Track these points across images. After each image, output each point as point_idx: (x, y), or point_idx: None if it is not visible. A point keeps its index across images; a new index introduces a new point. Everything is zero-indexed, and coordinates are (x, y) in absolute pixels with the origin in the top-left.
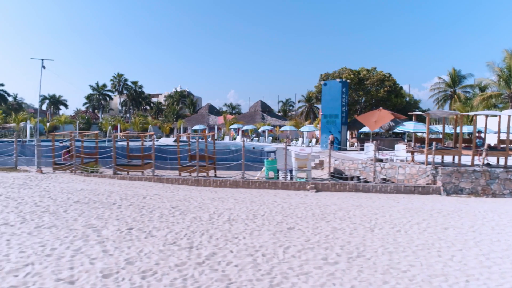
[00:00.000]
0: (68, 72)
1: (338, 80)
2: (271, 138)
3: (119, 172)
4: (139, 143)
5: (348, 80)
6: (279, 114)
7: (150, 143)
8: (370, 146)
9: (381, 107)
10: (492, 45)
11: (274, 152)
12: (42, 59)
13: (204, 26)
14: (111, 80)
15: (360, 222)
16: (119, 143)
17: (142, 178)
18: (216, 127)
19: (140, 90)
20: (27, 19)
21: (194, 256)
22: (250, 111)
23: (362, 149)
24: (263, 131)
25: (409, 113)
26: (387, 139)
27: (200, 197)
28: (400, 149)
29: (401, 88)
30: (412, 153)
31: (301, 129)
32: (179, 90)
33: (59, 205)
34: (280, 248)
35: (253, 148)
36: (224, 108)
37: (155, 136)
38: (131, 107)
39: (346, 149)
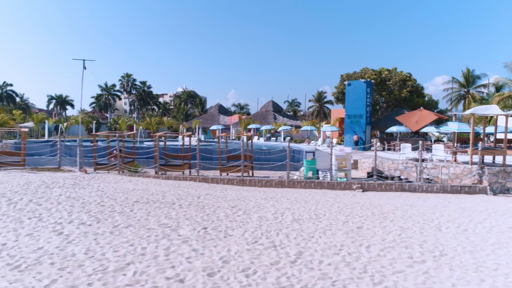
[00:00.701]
0: (69, 72)
1: (362, 80)
2: (288, 138)
3: (159, 172)
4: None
5: (372, 80)
6: (289, 114)
7: (180, 142)
8: (406, 147)
9: (421, 107)
10: (492, 45)
11: (314, 152)
12: (84, 60)
13: (204, 26)
14: (120, 80)
15: (423, 221)
16: (148, 143)
17: (187, 178)
18: (231, 127)
19: (148, 90)
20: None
21: (283, 255)
22: (261, 111)
23: (384, 149)
24: (276, 131)
25: (451, 113)
26: (411, 139)
27: (252, 196)
28: (438, 149)
29: (422, 88)
30: (455, 153)
31: (322, 129)
32: (184, 90)
33: (122, 205)
34: (362, 247)
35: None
36: (233, 108)
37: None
38: (139, 107)
39: (370, 149)
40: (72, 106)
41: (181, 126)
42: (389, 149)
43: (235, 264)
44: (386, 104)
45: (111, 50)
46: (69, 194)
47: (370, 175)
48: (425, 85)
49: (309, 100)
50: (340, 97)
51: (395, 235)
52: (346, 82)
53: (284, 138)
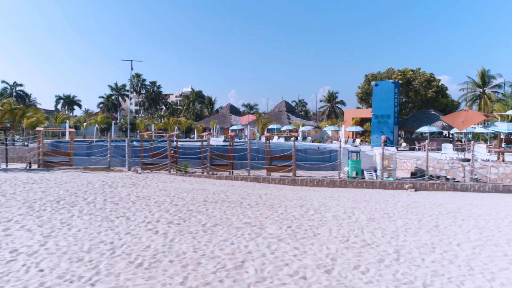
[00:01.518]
0: (68, 72)
1: (390, 80)
2: (309, 138)
3: (210, 172)
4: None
5: (400, 81)
6: (301, 114)
7: (213, 142)
8: (448, 147)
9: (467, 108)
10: (492, 45)
11: (359, 152)
12: (131, 60)
13: (205, 26)
14: (129, 80)
15: (494, 220)
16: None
17: (238, 177)
18: (249, 127)
19: (158, 90)
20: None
21: (383, 253)
22: (274, 111)
23: (414, 150)
24: (291, 132)
25: (500, 113)
26: (438, 139)
27: (311, 196)
28: (481, 149)
29: (446, 88)
30: (502, 153)
31: (347, 129)
32: (192, 90)
33: (194, 204)
34: (452, 245)
35: (318, 148)
36: (242, 108)
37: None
38: (148, 107)
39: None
40: (80, 106)
41: (216, 125)
42: (418, 149)
43: (343, 262)
44: (412, 104)
45: (111, 51)
46: (137, 194)
47: (413, 174)
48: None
49: (320, 100)
50: (364, 97)
51: (476, 233)
52: (373, 83)
53: (305, 138)
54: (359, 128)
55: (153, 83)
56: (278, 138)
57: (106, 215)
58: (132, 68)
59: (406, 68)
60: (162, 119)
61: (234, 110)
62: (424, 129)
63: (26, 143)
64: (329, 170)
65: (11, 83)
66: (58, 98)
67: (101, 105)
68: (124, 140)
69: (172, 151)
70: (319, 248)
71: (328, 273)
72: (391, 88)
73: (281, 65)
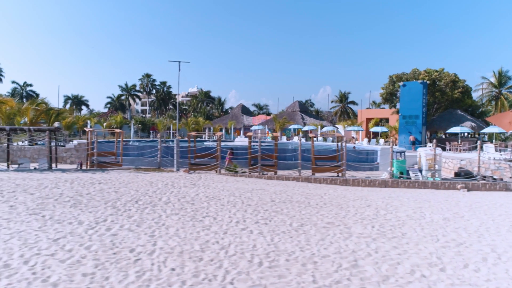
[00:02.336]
0: (69, 72)
1: (419, 81)
2: (331, 138)
3: (261, 173)
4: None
5: (428, 82)
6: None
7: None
8: (490, 147)
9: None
10: (492, 45)
11: (404, 152)
12: (179, 61)
13: (204, 26)
14: (139, 80)
15: None
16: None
17: (289, 178)
18: (267, 128)
19: (168, 90)
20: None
21: (482, 252)
22: (287, 111)
23: (446, 150)
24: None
25: None
26: (466, 139)
27: (371, 196)
28: None
29: (470, 88)
30: None
31: (371, 130)
32: (194, 90)
33: (266, 204)
34: None
35: (354, 148)
36: (252, 108)
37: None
38: (158, 107)
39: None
40: (87, 106)
41: (207, 127)
42: (449, 150)
43: (449, 261)
44: (438, 105)
45: (112, 51)
46: (205, 194)
47: (457, 175)
48: None
49: (332, 101)
50: (388, 98)
51: None
52: (401, 83)
53: (326, 139)
54: (384, 129)
55: (163, 83)
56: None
57: (192, 215)
58: (179, 69)
59: (429, 69)
60: (172, 119)
61: (245, 110)
62: (456, 129)
63: (62, 144)
64: (367, 170)
65: (21, 83)
66: (67, 98)
67: (108, 105)
68: (172, 141)
69: (229, 152)
70: (417, 247)
71: (443, 271)
72: (419, 88)
73: (281, 65)
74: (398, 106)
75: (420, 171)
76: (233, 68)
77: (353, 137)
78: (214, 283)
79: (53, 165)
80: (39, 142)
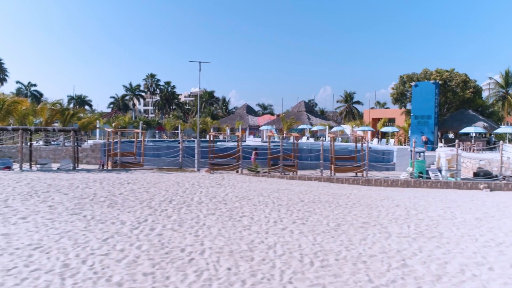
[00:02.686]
0: (70, 72)
1: (431, 81)
2: (339, 138)
3: (283, 173)
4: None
5: (440, 82)
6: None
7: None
8: (509, 146)
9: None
10: (492, 44)
11: (423, 152)
12: (200, 62)
13: (205, 26)
14: (144, 80)
15: None
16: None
17: (312, 178)
18: (275, 127)
19: (172, 90)
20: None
21: None
22: (293, 111)
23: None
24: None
25: None
26: (478, 140)
27: (396, 196)
28: None
29: (481, 88)
30: None
31: (382, 130)
32: (197, 90)
33: (297, 204)
34: None
35: (370, 148)
36: (256, 108)
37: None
38: (162, 107)
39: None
40: (91, 106)
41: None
42: (462, 150)
43: (495, 260)
44: (449, 105)
45: (112, 51)
46: (234, 194)
47: (476, 175)
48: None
49: (337, 101)
50: (397, 98)
51: None
52: (413, 83)
53: (335, 139)
54: (395, 129)
55: (168, 83)
56: (307, 138)
57: (229, 215)
58: (200, 69)
59: (440, 69)
60: (177, 119)
61: (250, 110)
62: (470, 129)
63: (78, 144)
64: (383, 170)
65: (26, 84)
66: (70, 98)
67: (111, 105)
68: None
69: (254, 151)
70: (458, 247)
71: (492, 270)
72: (431, 88)
73: (281, 65)
74: (408, 106)
75: (440, 171)
76: (233, 68)
77: (362, 137)
78: (274, 283)
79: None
80: (53, 142)
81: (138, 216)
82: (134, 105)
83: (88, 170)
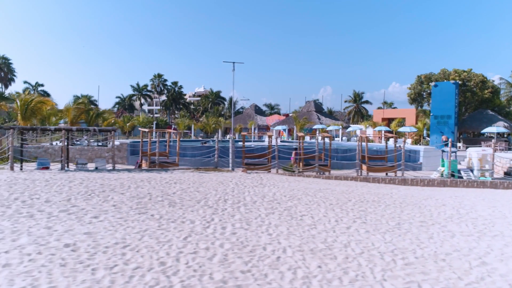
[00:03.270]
0: (71, 72)
1: (451, 81)
2: (354, 138)
3: (319, 172)
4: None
5: (459, 82)
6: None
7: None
8: None
9: None
10: (492, 44)
11: (455, 152)
12: (234, 62)
13: (204, 26)
14: (151, 80)
15: None
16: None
17: (348, 177)
18: (287, 128)
19: (179, 90)
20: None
21: None
22: (303, 111)
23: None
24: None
25: None
26: (499, 140)
27: (436, 196)
28: None
29: (500, 89)
30: None
31: (400, 130)
32: (201, 90)
33: (346, 204)
34: None
35: (399, 147)
36: (264, 108)
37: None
38: (169, 106)
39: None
40: (96, 106)
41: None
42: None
43: None
44: (468, 105)
45: (113, 50)
46: (282, 193)
47: (507, 174)
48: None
49: (345, 101)
50: (414, 97)
51: None
52: (432, 83)
53: (349, 139)
54: (413, 129)
55: (175, 83)
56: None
57: (289, 214)
58: (233, 69)
59: (457, 69)
60: (187, 119)
61: (258, 111)
62: (492, 129)
63: (104, 143)
64: (410, 169)
65: (33, 84)
66: (76, 98)
67: (117, 105)
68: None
69: (294, 151)
70: None
71: None
72: (452, 88)
73: (281, 65)
74: (425, 106)
75: (471, 170)
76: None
77: (396, 137)
78: (369, 280)
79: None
80: (76, 142)
81: (203, 216)
82: (141, 105)
83: (129, 170)
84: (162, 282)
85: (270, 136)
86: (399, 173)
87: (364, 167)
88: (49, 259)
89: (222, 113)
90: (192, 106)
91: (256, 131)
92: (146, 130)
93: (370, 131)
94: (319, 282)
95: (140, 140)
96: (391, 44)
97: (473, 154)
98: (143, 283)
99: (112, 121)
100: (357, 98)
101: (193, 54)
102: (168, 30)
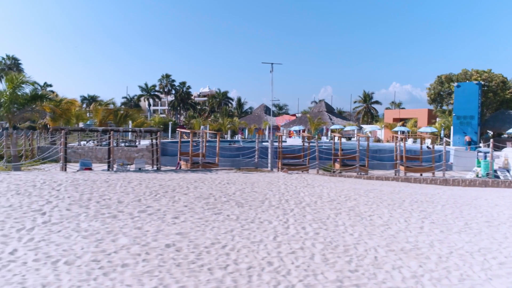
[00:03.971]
0: (70, 72)
1: (475, 82)
2: (372, 138)
3: (359, 173)
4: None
5: (482, 82)
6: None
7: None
8: None
9: None
10: (493, 44)
11: (488, 153)
12: (272, 63)
13: (204, 25)
14: (159, 80)
15: None
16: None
17: (389, 178)
18: (305, 128)
19: (187, 91)
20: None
21: None
22: (313, 111)
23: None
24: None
25: None
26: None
27: (483, 196)
28: None
29: None
30: None
31: (420, 130)
32: (206, 90)
33: (403, 204)
34: None
35: (428, 147)
36: (272, 109)
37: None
38: (177, 107)
39: None
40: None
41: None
42: None
43: None
44: (490, 105)
45: (112, 50)
46: (335, 193)
47: None
48: (426, 85)
49: (355, 101)
50: (434, 98)
51: None
52: (455, 84)
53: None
54: (434, 129)
55: (183, 83)
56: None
57: (356, 214)
58: (271, 70)
59: (478, 70)
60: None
61: (267, 111)
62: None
63: (134, 144)
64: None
65: (42, 84)
66: (83, 98)
67: (123, 106)
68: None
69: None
70: None
71: None
72: (475, 89)
73: (281, 65)
74: (444, 107)
75: (508, 171)
76: (233, 68)
77: (422, 138)
78: (476, 279)
79: (150, 167)
80: (103, 143)
81: (276, 216)
82: (150, 105)
83: (175, 171)
84: (282, 282)
85: (309, 137)
86: (439, 174)
87: (402, 167)
88: (161, 259)
89: (230, 113)
90: (198, 106)
91: (260, 131)
92: (188, 131)
93: (381, 132)
94: (429, 281)
95: (178, 140)
96: (391, 44)
97: (509, 155)
98: (265, 283)
99: (140, 121)
100: (367, 98)
101: (197, 55)
102: (170, 31)
